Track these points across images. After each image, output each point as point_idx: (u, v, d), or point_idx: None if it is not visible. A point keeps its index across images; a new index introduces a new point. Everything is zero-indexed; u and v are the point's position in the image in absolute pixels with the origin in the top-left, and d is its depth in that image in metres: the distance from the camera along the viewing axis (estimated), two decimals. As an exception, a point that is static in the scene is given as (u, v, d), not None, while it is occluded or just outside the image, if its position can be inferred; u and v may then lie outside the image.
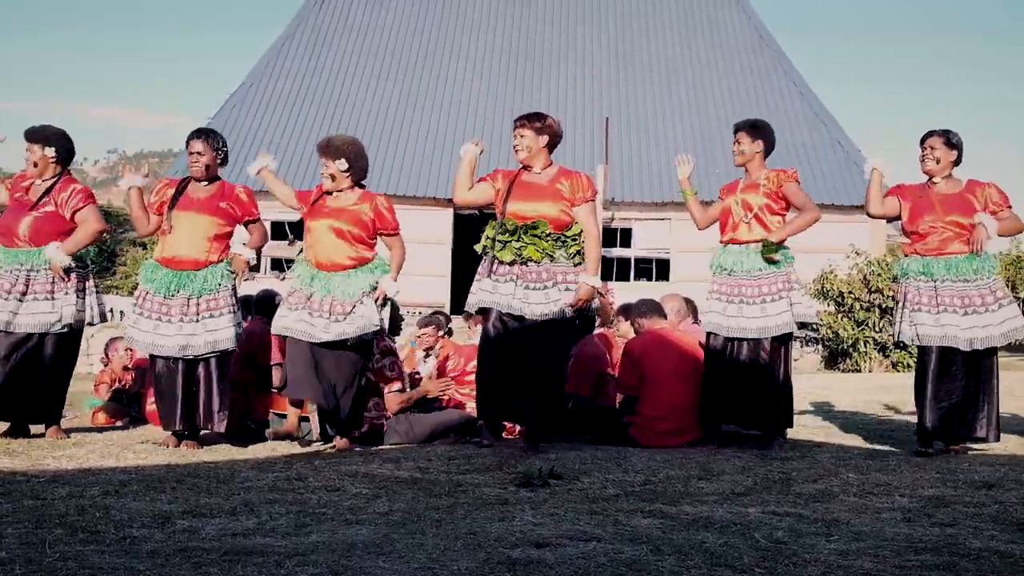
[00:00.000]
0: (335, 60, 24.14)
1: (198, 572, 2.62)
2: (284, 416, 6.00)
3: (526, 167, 5.35)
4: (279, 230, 21.62)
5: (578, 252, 5.25)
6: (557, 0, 25.77)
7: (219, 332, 5.44)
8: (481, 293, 5.27)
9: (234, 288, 5.56)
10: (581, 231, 5.26)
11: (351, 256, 5.33)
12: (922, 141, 5.52)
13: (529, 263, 5.16)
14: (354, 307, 5.25)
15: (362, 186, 5.50)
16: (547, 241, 5.17)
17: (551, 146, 5.36)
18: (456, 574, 2.64)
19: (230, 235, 5.62)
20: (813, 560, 2.81)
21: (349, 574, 2.62)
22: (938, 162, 5.44)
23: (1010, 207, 5.44)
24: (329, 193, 5.42)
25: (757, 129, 5.64)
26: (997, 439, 5.41)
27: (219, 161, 5.63)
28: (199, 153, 5.54)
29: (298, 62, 23.95)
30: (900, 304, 5.52)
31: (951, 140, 5.45)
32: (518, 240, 5.17)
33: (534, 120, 5.34)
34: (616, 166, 21.39)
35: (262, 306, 6.47)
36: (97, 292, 5.89)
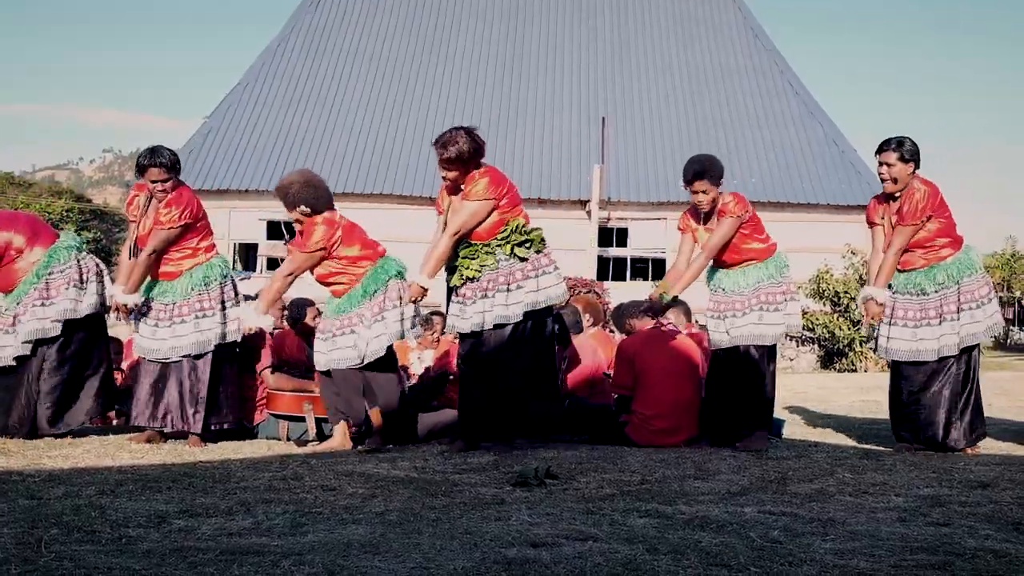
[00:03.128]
0: (330, 61, 24.11)
1: (194, 572, 2.62)
2: (281, 417, 5.97)
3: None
4: (275, 229, 21.61)
5: (514, 249, 5.23)
6: (552, 1, 25.78)
7: (209, 332, 5.55)
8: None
9: (225, 287, 5.66)
10: (509, 233, 5.22)
11: (346, 280, 5.44)
12: (878, 152, 5.39)
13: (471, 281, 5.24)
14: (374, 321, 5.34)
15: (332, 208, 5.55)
16: (477, 257, 5.23)
17: (476, 160, 5.29)
18: (452, 574, 2.64)
19: (198, 235, 5.64)
20: (809, 559, 2.82)
21: (345, 573, 2.62)
22: (895, 181, 5.36)
23: (914, 224, 5.30)
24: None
25: (714, 175, 5.47)
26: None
27: (176, 173, 5.58)
28: (162, 181, 5.49)
29: (294, 63, 23.92)
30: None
31: (904, 156, 5.33)
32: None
33: (448, 148, 5.20)
34: (612, 166, 21.40)
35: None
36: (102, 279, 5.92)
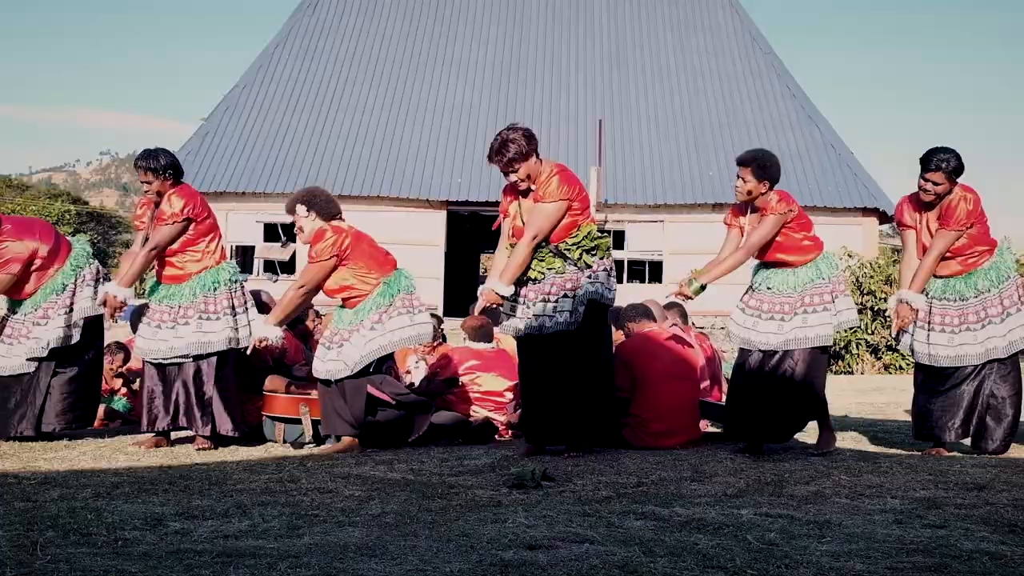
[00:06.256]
0: (328, 63, 24.13)
1: (190, 574, 2.62)
2: (278, 419, 5.95)
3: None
4: (272, 232, 21.61)
5: (582, 255, 5.12)
6: (550, 4, 25.81)
7: (212, 335, 5.50)
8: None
9: (235, 292, 5.62)
10: (580, 238, 5.11)
11: (356, 293, 5.40)
12: (923, 169, 5.27)
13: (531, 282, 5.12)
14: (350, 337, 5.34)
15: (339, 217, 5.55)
16: (544, 259, 5.11)
17: (535, 150, 5.17)
18: (448, 576, 2.64)
19: (207, 238, 5.60)
20: (805, 562, 2.82)
21: (341, 576, 2.62)
22: (938, 196, 5.28)
23: (958, 230, 5.25)
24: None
25: (764, 168, 5.24)
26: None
27: (170, 177, 5.54)
28: (147, 183, 5.53)
29: (290, 66, 23.95)
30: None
31: (951, 177, 5.24)
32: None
33: (505, 154, 5.05)
34: (609, 169, 21.42)
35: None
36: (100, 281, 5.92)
